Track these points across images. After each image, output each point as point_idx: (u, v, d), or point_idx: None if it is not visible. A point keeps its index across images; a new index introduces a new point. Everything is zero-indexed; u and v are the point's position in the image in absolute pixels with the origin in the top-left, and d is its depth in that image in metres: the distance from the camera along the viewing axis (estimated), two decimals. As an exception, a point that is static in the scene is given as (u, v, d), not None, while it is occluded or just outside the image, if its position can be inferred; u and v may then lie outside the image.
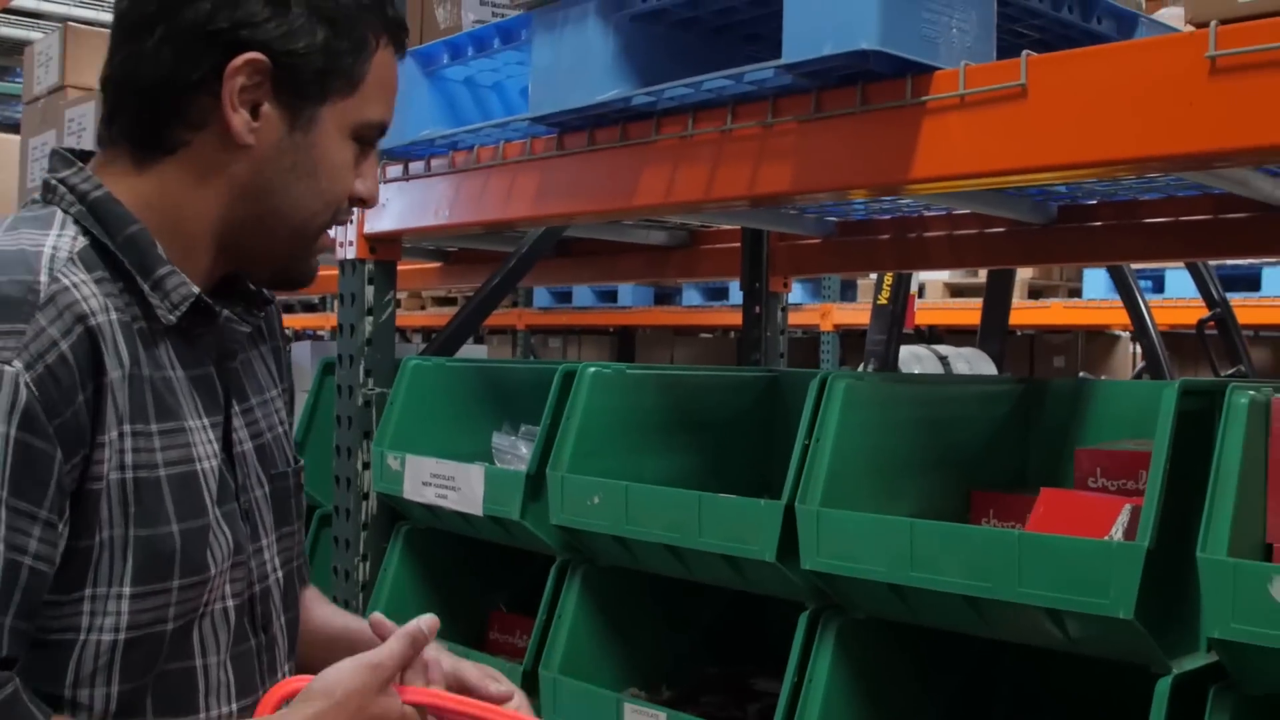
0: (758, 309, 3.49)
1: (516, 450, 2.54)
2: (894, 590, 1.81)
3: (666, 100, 2.01)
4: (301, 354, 3.43)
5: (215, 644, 1.34)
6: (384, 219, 2.65)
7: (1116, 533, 1.74)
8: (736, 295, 7.75)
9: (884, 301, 5.62)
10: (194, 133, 1.32)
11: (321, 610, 1.64)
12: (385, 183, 2.63)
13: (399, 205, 2.62)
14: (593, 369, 2.29)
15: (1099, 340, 8.06)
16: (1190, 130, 1.51)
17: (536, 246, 3.13)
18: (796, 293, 7.76)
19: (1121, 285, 5.51)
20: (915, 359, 5.78)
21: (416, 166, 2.57)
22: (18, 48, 11.29)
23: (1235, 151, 1.52)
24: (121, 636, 1.24)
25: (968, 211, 3.06)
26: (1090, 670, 1.96)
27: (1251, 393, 1.60)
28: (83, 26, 4.67)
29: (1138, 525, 1.62)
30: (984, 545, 1.70)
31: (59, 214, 1.30)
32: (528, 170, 2.29)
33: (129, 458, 1.24)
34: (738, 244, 3.57)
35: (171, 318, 1.30)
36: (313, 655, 1.53)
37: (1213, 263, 5.41)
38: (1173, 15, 2.12)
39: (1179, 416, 1.65)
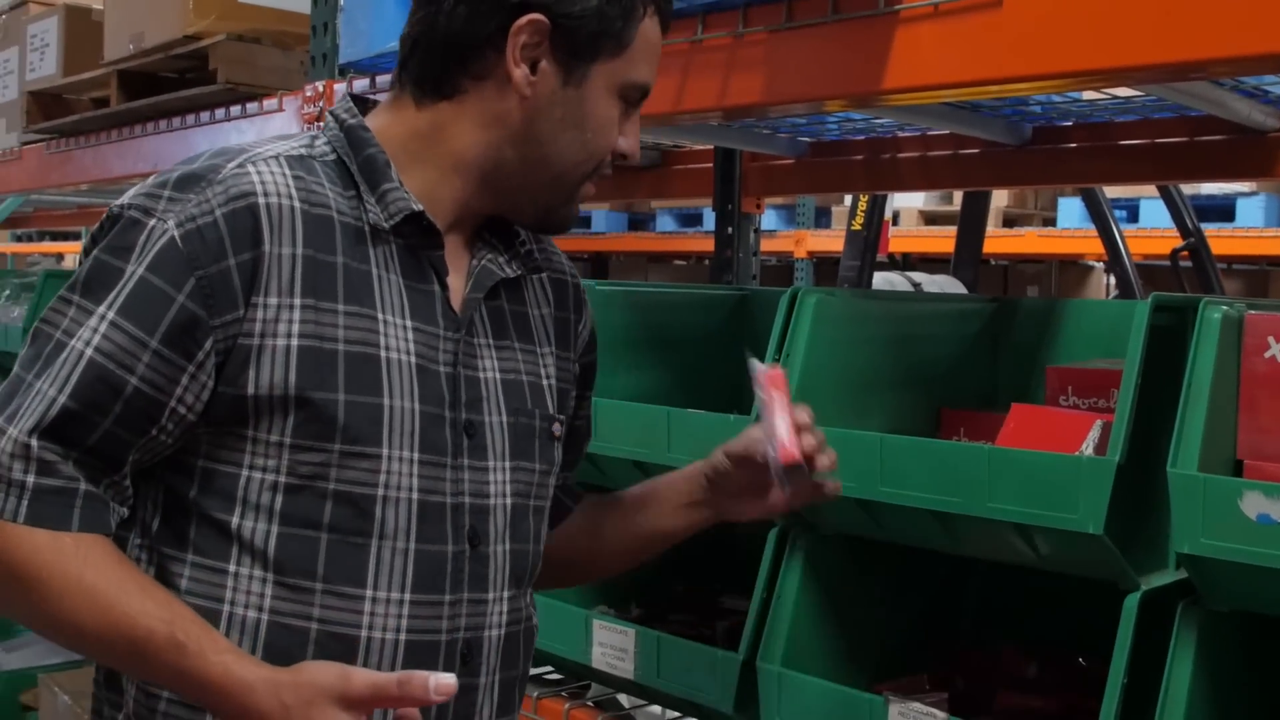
0: (730, 230, 3.46)
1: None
2: (863, 506, 1.80)
3: (636, 10, 1.97)
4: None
5: (397, 531, 1.44)
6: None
7: (1087, 448, 1.73)
8: (711, 222, 7.78)
9: (858, 227, 5.62)
10: (476, 82, 1.49)
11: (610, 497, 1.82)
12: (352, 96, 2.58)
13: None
14: (561, 285, 2.26)
15: (1073, 270, 8.07)
16: (1165, 39, 1.48)
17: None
18: (770, 219, 7.75)
19: (1096, 214, 5.52)
20: (888, 285, 5.78)
21: (383, 80, 2.52)
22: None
23: (1208, 61, 1.49)
24: (281, 479, 1.40)
25: (942, 132, 3.03)
26: (1058, 587, 1.96)
27: (1225, 308, 1.59)
28: (44, -59, 4.58)
29: (1108, 441, 1.61)
30: (954, 459, 1.69)
31: (310, 135, 1.53)
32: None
33: (297, 328, 1.39)
34: (710, 164, 3.53)
35: (385, 224, 1.46)
36: (635, 522, 1.77)
37: (1187, 192, 5.41)
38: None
39: (1151, 331, 1.64)
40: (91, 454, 1.36)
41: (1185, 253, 5.16)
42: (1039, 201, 7.62)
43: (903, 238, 7.45)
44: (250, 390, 1.38)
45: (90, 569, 1.33)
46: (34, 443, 1.33)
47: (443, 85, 1.51)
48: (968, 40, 1.65)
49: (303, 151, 1.48)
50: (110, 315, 1.35)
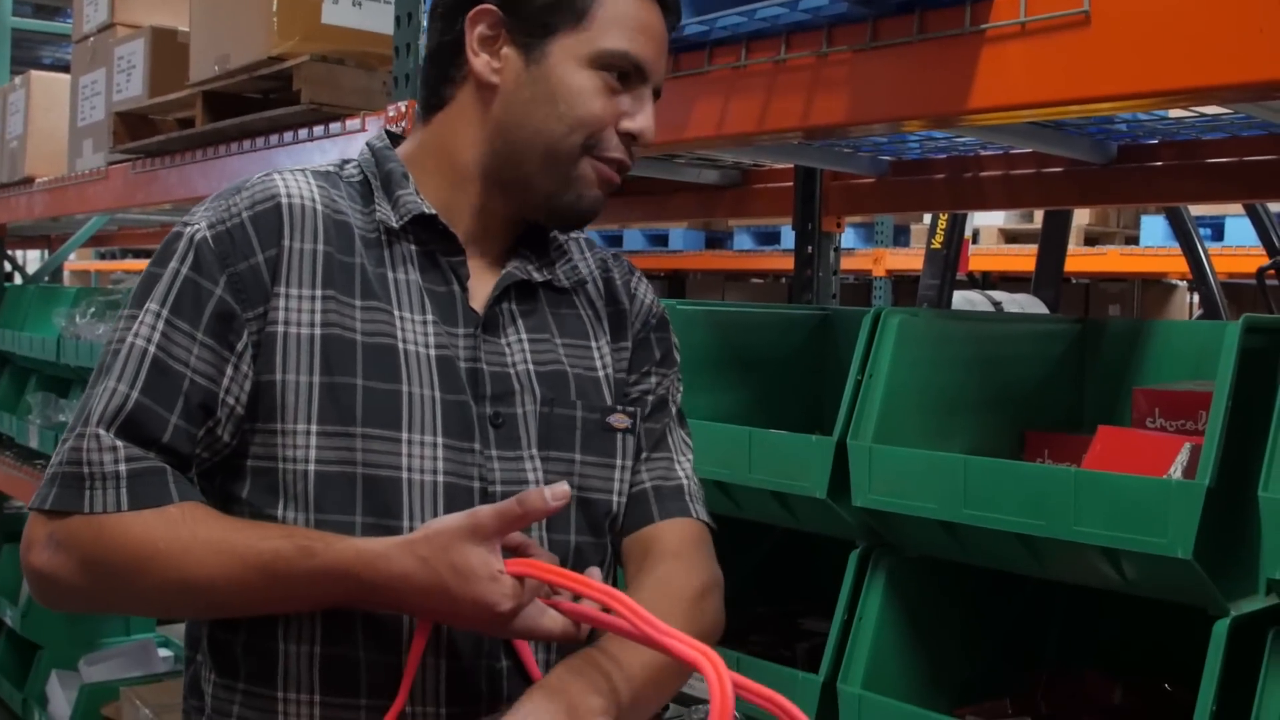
0: (810, 249, 3.45)
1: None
2: (946, 528, 1.79)
3: (719, 30, 1.98)
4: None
5: (424, 511, 1.47)
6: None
7: (1175, 471, 1.70)
8: (788, 240, 7.77)
9: (937, 246, 5.58)
10: (458, 87, 1.59)
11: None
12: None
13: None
14: (642, 304, 2.26)
15: (1156, 288, 7.96)
16: (1259, 57, 1.46)
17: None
18: (849, 237, 7.71)
19: (1180, 232, 5.45)
20: (968, 305, 5.73)
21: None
22: (70, -11, 11.28)
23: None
24: (313, 469, 1.45)
25: (1025, 151, 3.01)
26: (1145, 612, 1.93)
27: (1318, 329, 1.56)
28: (133, -36, 4.65)
29: (1197, 464, 1.59)
30: (1039, 482, 1.67)
31: (341, 160, 1.64)
32: (578, 103, 2.25)
33: (318, 318, 1.47)
34: (790, 184, 3.53)
35: (395, 223, 1.54)
36: None
37: (1275, 209, 5.32)
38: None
39: (1241, 354, 1.61)
40: (165, 451, 1.43)
41: (1272, 270, 5.07)
42: (1121, 220, 7.53)
43: (983, 256, 7.39)
44: (279, 375, 1.46)
45: (202, 526, 1.40)
46: (115, 440, 1.41)
47: (435, 98, 1.62)
48: (1056, 59, 1.63)
49: (330, 169, 1.60)
50: (162, 312, 1.45)
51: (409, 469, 1.47)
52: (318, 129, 3.02)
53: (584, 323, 1.67)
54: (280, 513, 1.46)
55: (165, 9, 4.18)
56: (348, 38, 3.09)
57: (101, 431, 1.41)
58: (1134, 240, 7.39)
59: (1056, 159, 2.96)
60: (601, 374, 1.65)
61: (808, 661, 2.17)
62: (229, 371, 1.45)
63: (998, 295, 5.89)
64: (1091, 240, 7.46)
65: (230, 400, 1.45)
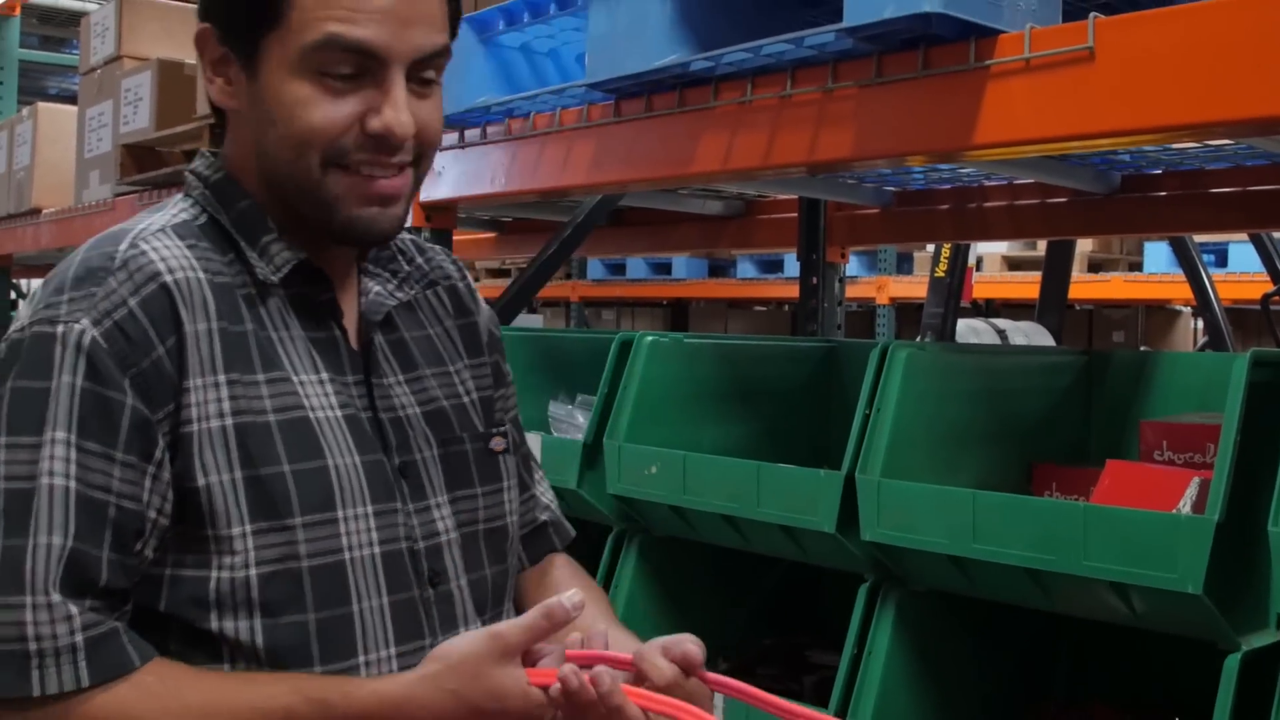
0: (815, 280, 3.46)
1: (573, 419, 2.53)
2: (955, 563, 1.79)
3: (725, 65, 1.99)
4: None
5: (369, 590, 1.36)
6: (440, 187, 2.64)
7: (1184, 506, 1.70)
8: (791, 268, 7.78)
9: (941, 274, 5.57)
10: (225, 111, 1.41)
11: (556, 574, 1.63)
12: (440, 151, 2.61)
13: (454, 173, 2.60)
14: (650, 338, 2.27)
15: (1159, 315, 7.97)
16: (1262, 93, 1.47)
17: (591, 215, 3.11)
18: (852, 265, 7.72)
19: (1184, 258, 5.44)
20: (973, 332, 5.73)
21: (472, 134, 2.55)
22: (74, 19, 11.33)
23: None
24: (253, 572, 1.29)
25: (1029, 181, 3.02)
26: (1154, 645, 1.93)
27: (1325, 363, 1.57)
28: (139, -2, 4.67)
29: (1206, 498, 1.59)
30: (1049, 517, 1.67)
31: (180, 199, 1.42)
32: (585, 137, 2.26)
33: (226, 405, 1.30)
34: (794, 214, 3.53)
35: (274, 278, 1.36)
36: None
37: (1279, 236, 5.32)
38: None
39: (1249, 387, 1.61)
40: (105, 593, 1.24)
41: (1277, 298, 5.07)
42: (1125, 246, 7.54)
43: (986, 283, 7.40)
44: (200, 480, 1.27)
45: (187, 690, 1.26)
46: (70, 607, 1.21)
47: (218, 123, 1.46)
48: (1060, 95, 1.64)
49: (180, 217, 1.38)
50: (70, 439, 1.23)
51: (349, 548, 1.35)
52: (324, 163, 3.02)
53: (437, 345, 1.53)
54: (215, 625, 1.29)
55: (172, 41, 4.20)
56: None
57: (55, 598, 1.20)
58: (1137, 266, 7.39)
59: (1060, 189, 2.97)
60: (467, 400, 1.52)
61: (816, 695, 2.17)
62: (148, 484, 1.26)
63: (1001, 323, 5.88)
64: (1095, 267, 7.47)
65: (153, 514, 1.26)
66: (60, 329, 1.25)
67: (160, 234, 1.34)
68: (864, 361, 1.96)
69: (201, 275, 1.32)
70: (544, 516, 1.65)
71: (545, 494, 1.68)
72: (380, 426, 1.41)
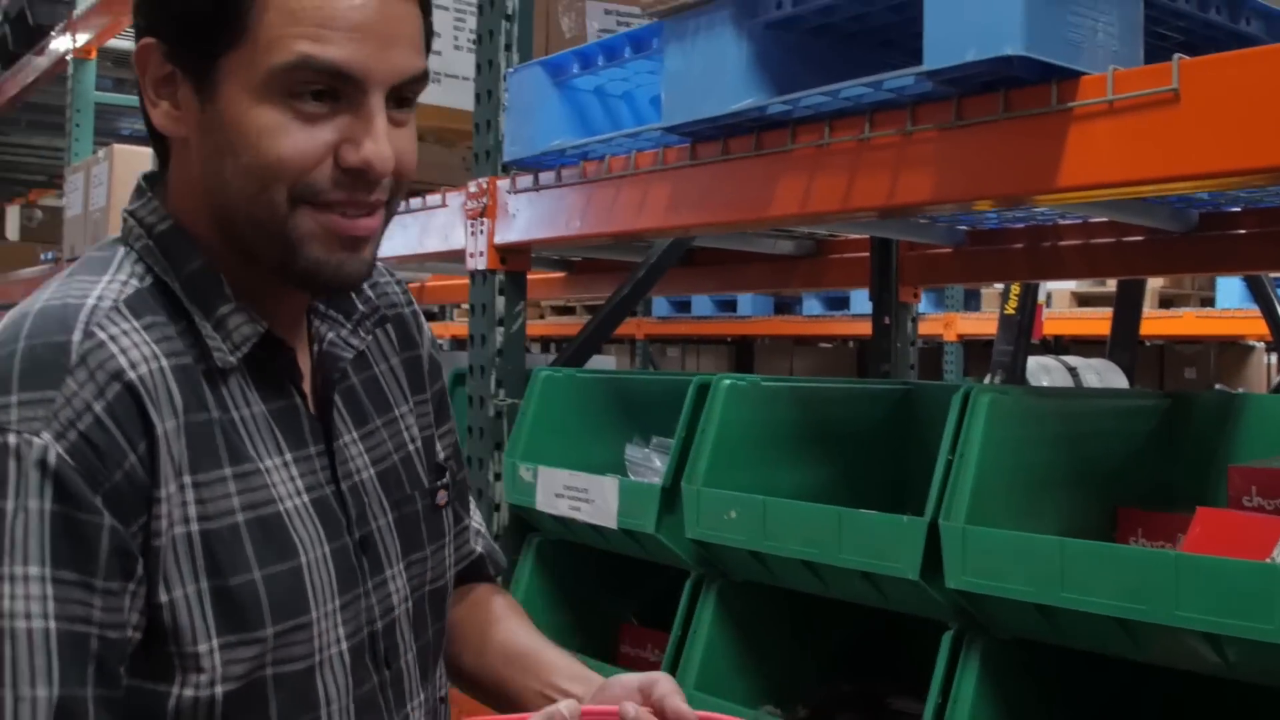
0: (887, 319, 3.44)
1: (650, 463, 2.53)
2: (1042, 611, 1.76)
3: (802, 109, 1.98)
4: (430, 365, 3.43)
5: (337, 691, 1.26)
6: (514, 230, 2.65)
7: (1279, 555, 1.67)
8: (858, 305, 7.76)
9: (1011, 311, 5.53)
10: (166, 139, 1.26)
11: (508, 624, 1.57)
12: (515, 193, 2.63)
13: (528, 215, 2.61)
14: (727, 381, 2.26)
15: (1233, 350, 7.86)
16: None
17: (665, 257, 3.11)
18: (920, 302, 7.67)
19: (1259, 294, 5.37)
20: (1043, 370, 5.68)
21: (546, 177, 2.56)
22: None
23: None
24: (219, 690, 1.16)
25: (1103, 219, 2.99)
26: (1244, 695, 1.89)
27: None
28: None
29: (1301, 546, 1.56)
30: (1139, 566, 1.64)
31: (121, 253, 1.24)
32: (660, 180, 2.27)
33: (193, 510, 1.15)
34: (866, 253, 3.52)
35: (232, 359, 1.22)
36: (496, 671, 1.50)
37: (1355, 270, 5.26)
38: (1328, 16, 2.05)
39: (1344, 432, 1.59)
40: None
41: (1357, 335, 4.99)
42: (1196, 282, 7.45)
43: (1055, 319, 7.33)
44: (164, 597, 1.13)
45: None
46: None
47: (159, 155, 1.29)
48: (1144, 137, 1.62)
49: (134, 285, 1.21)
50: (43, 572, 1.06)
51: (319, 649, 1.24)
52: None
53: (384, 387, 1.42)
54: None
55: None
56: (427, 114, 3.12)
57: None
58: (1209, 302, 7.31)
59: (1136, 227, 2.94)
60: (412, 448, 1.42)
61: (897, 742, 2.14)
62: (128, 604, 1.12)
63: (1073, 360, 5.83)
64: (1166, 302, 7.39)
65: (130, 633, 1.13)
66: (13, 440, 1.07)
67: (114, 314, 1.16)
68: (941, 404, 1.94)
69: (164, 363, 1.16)
70: (479, 548, 1.60)
71: (477, 521, 1.61)
72: (342, 500, 1.30)
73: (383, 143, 1.18)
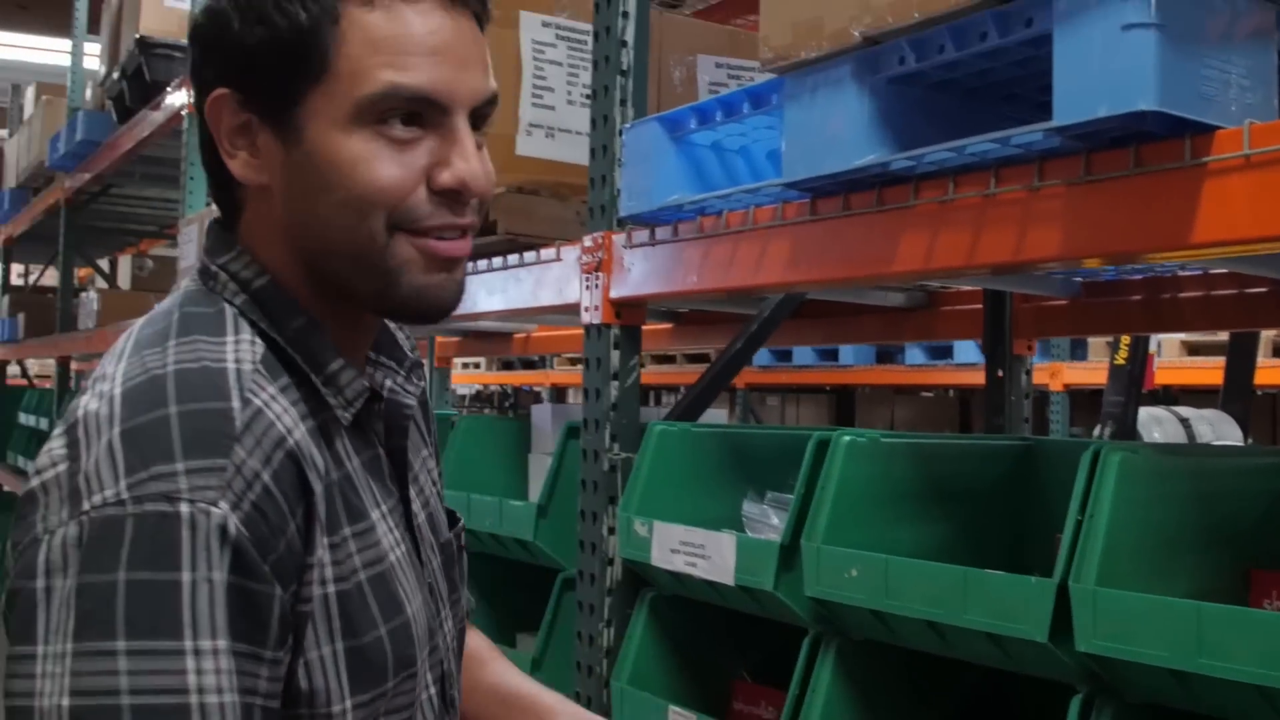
0: (1000, 372, 3.40)
1: (767, 519, 2.51)
2: (1176, 676, 1.72)
3: (926, 164, 1.97)
4: (542, 417, 3.45)
5: None
6: (629, 284, 2.65)
7: None
8: (962, 354, 7.68)
9: (1122, 361, 5.45)
10: (239, 193, 1.26)
11: (496, 667, 1.62)
12: (630, 248, 2.64)
13: (644, 270, 2.62)
14: (847, 437, 2.24)
15: (1350, 401, 7.69)
16: None
17: (778, 310, 3.10)
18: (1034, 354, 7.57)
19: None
20: (1155, 422, 5.59)
21: (663, 232, 2.56)
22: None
23: None
24: None
25: (1224, 270, 2.94)
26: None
27: None
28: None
29: None
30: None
31: (229, 310, 1.23)
32: (779, 236, 2.26)
33: (329, 571, 1.15)
34: (978, 305, 3.48)
35: (348, 415, 1.23)
36: (489, 712, 1.54)
37: None
38: None
39: None
40: None
41: None
42: (1311, 331, 7.30)
43: (1165, 368, 7.21)
44: (302, 660, 1.13)
45: None
46: None
47: (228, 210, 1.29)
48: (1283, 192, 1.59)
49: (260, 347, 1.20)
50: (226, 645, 1.04)
51: (419, 694, 1.26)
52: (512, 258, 3.07)
53: (416, 432, 1.42)
54: None
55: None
56: (541, 168, 3.15)
57: None
58: (1325, 351, 7.15)
59: (1259, 278, 2.88)
60: (438, 490, 1.44)
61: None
62: (283, 671, 1.12)
63: (1185, 411, 5.73)
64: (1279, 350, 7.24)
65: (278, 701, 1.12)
66: (186, 510, 1.04)
67: (258, 378, 1.15)
68: (1063, 460, 1.93)
69: (308, 423, 1.17)
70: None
71: None
72: (416, 546, 1.32)
73: (474, 161, 1.21)
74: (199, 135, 1.27)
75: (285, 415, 1.15)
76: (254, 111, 1.21)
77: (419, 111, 1.19)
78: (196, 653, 1.02)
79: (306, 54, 1.17)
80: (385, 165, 1.18)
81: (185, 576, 1.02)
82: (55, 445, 1.11)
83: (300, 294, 1.25)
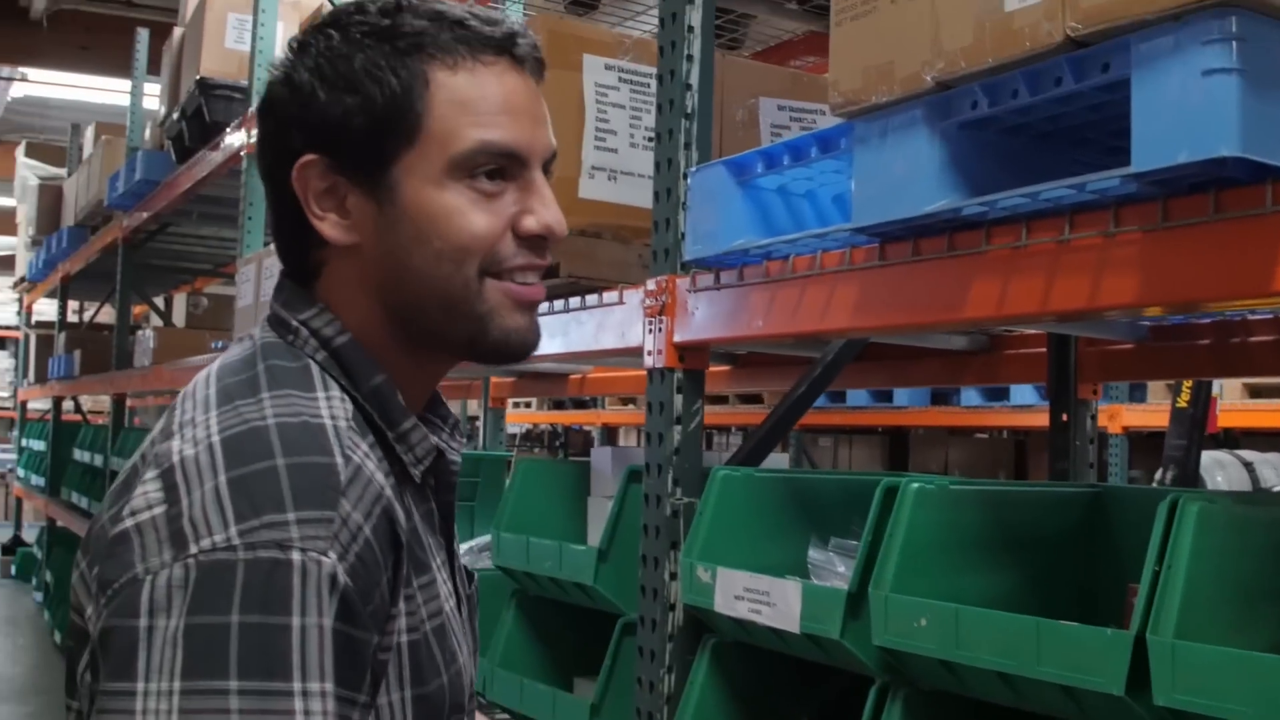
0: (1065, 416, 3.37)
1: (832, 566, 2.48)
2: (1263, 732, 1.69)
3: (998, 210, 1.95)
4: (602, 460, 3.43)
5: None
6: (693, 328, 2.64)
7: None
8: (1018, 396, 7.62)
9: (1184, 404, 5.39)
10: (321, 253, 1.31)
11: None
12: (695, 292, 2.63)
13: (708, 314, 2.60)
14: (915, 484, 2.22)
15: None
16: None
17: (842, 353, 3.08)
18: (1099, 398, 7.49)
19: None
20: (1218, 466, 5.53)
21: (728, 276, 2.55)
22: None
23: None
24: None
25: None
26: None
27: None
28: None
29: None
30: (1370, 690, 1.57)
31: (312, 367, 1.27)
32: (847, 281, 2.24)
33: (403, 621, 1.20)
34: (1042, 349, 3.45)
35: (417, 472, 1.30)
36: None
37: None
38: None
39: None
40: None
41: None
42: (1375, 374, 7.20)
43: (1226, 411, 7.12)
44: (372, 705, 1.17)
45: None
46: None
47: (302, 271, 1.33)
48: (1368, 240, 1.57)
49: (350, 405, 1.25)
50: (332, 689, 1.07)
51: None
52: (574, 300, 3.06)
53: None
54: None
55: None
56: (604, 211, 3.15)
57: None
58: (1390, 394, 7.05)
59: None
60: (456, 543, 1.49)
61: None
62: (369, 715, 1.16)
63: (1248, 455, 5.67)
64: (1343, 394, 7.14)
65: None
66: (299, 558, 1.07)
67: (353, 434, 1.20)
68: (1135, 508, 1.90)
69: (391, 479, 1.23)
70: None
71: None
72: (458, 599, 1.37)
73: (554, 208, 1.31)
74: (271, 199, 1.33)
75: (378, 472, 1.20)
76: (342, 174, 1.28)
77: (504, 165, 1.28)
78: (305, 694, 1.05)
79: (400, 118, 1.25)
80: (478, 215, 1.27)
81: (296, 621, 1.06)
82: (151, 489, 1.13)
83: (381, 350, 1.31)
